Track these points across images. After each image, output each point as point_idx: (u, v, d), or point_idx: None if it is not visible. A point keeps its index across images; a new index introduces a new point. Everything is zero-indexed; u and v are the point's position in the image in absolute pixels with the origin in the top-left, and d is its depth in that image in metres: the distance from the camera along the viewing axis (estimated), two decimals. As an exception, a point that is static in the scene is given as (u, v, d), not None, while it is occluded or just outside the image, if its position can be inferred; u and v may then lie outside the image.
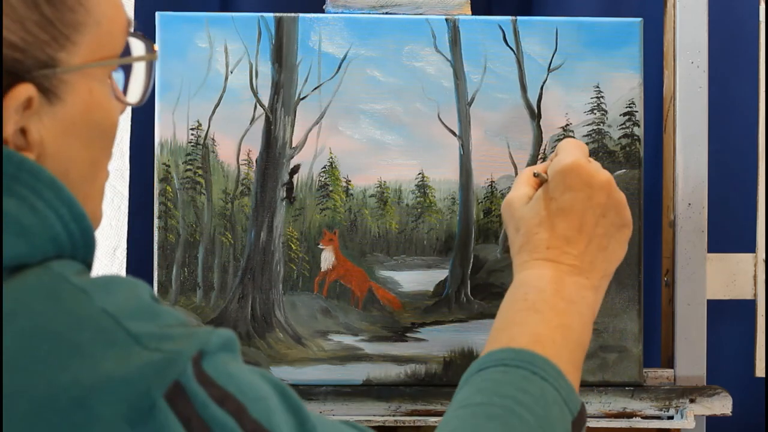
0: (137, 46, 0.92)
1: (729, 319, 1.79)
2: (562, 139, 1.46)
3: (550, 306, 1.13)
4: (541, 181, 1.25)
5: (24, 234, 0.80)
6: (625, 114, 1.46)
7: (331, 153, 1.45)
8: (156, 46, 0.93)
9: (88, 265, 0.86)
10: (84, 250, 0.85)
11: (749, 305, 1.57)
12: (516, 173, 1.46)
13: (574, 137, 1.46)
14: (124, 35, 0.89)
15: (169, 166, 1.44)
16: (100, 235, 1.75)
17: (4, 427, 0.73)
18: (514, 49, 1.45)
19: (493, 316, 1.46)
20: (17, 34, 0.81)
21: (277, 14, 1.45)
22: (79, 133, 0.86)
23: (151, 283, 1.45)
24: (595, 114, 1.46)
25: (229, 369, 0.83)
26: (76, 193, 0.86)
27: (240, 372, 0.85)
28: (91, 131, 0.87)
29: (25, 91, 0.82)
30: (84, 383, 0.75)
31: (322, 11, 1.46)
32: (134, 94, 0.93)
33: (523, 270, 1.17)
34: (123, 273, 1.72)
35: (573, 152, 1.22)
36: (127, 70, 0.92)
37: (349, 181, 1.45)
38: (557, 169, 1.20)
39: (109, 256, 1.69)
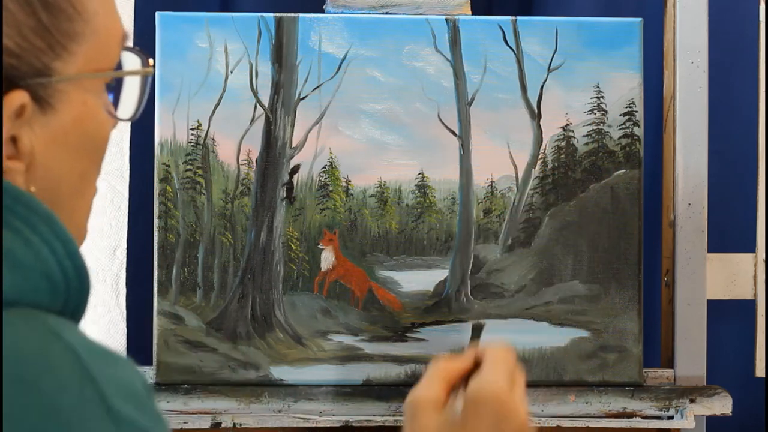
0: (133, 60, 0.91)
1: (729, 319, 1.79)
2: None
3: None
4: (457, 383, 1.15)
5: (17, 267, 0.78)
6: (625, 114, 1.46)
7: (331, 153, 1.45)
8: (151, 61, 0.91)
9: (82, 308, 0.83)
10: (78, 291, 0.82)
11: (749, 305, 1.57)
12: (516, 173, 1.46)
13: (574, 137, 1.46)
14: (119, 48, 0.88)
15: (169, 166, 1.44)
16: (100, 235, 1.74)
17: None
18: (514, 49, 1.45)
19: (493, 316, 1.46)
20: (13, 40, 0.80)
21: (277, 14, 1.45)
22: (70, 145, 0.85)
23: (151, 283, 1.45)
24: (595, 114, 1.46)
25: None
26: (64, 207, 0.84)
27: None
28: (83, 143, 0.86)
29: (19, 97, 0.81)
30: None
31: (322, 11, 1.46)
32: (126, 110, 0.91)
33: None
34: (123, 273, 1.72)
35: (498, 375, 1.11)
36: (120, 84, 0.90)
37: (349, 181, 1.45)
38: (476, 396, 1.09)
39: (109, 256, 1.69)
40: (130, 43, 0.90)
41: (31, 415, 0.74)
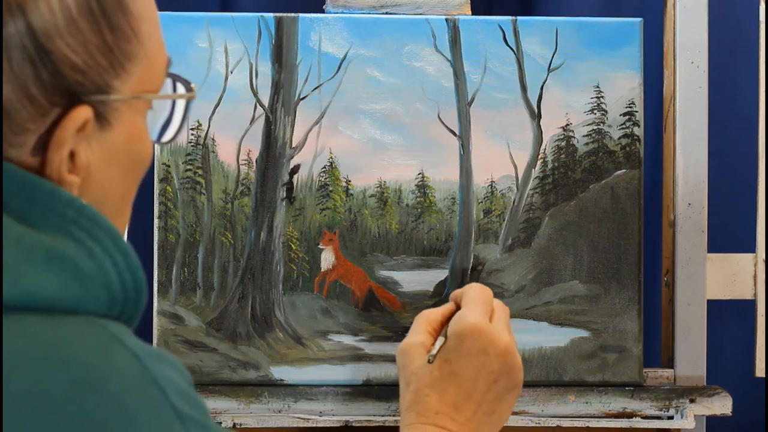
0: (177, 86, 0.94)
1: (729, 319, 1.79)
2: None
3: None
4: (441, 327, 1.23)
5: (80, 277, 0.81)
6: (625, 114, 1.46)
7: (331, 153, 1.45)
8: (194, 86, 0.94)
9: (135, 318, 0.86)
10: (134, 304, 0.86)
11: (749, 305, 1.57)
12: (516, 173, 1.46)
13: (574, 137, 1.46)
14: (164, 73, 0.92)
15: (169, 166, 1.44)
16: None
17: None
18: (514, 49, 1.45)
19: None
20: (81, 57, 0.83)
21: (277, 14, 1.45)
22: (120, 163, 0.88)
23: (151, 283, 1.45)
24: (595, 114, 1.46)
25: None
26: None
27: None
28: (130, 162, 0.89)
29: (84, 113, 0.84)
30: None
31: (322, 11, 1.46)
32: (168, 133, 0.94)
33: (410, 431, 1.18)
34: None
35: (475, 310, 1.20)
36: (167, 108, 0.94)
37: (349, 181, 1.45)
38: (456, 330, 1.19)
39: (109, 256, 1.69)
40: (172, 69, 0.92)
41: (100, 414, 0.76)
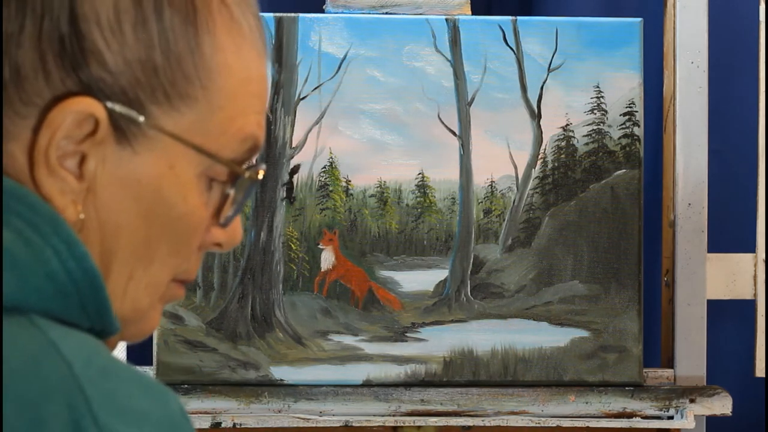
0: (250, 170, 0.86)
1: (729, 319, 1.79)
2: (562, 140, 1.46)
3: None
4: None
5: (15, 268, 0.75)
6: (625, 114, 1.46)
7: (331, 153, 1.45)
8: (262, 170, 0.86)
9: (108, 319, 0.78)
10: (93, 298, 0.80)
11: (749, 305, 1.57)
12: (516, 173, 1.46)
13: (574, 137, 1.46)
14: (241, 148, 0.81)
15: (169, 166, 1.44)
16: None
17: None
18: (514, 49, 1.45)
19: (493, 316, 1.46)
20: (114, 57, 0.79)
21: (277, 14, 1.45)
22: (141, 199, 0.80)
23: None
24: (595, 114, 1.46)
25: None
26: (122, 267, 0.81)
27: None
28: (157, 208, 0.81)
29: (90, 106, 0.79)
30: None
31: (322, 11, 1.46)
32: (223, 212, 0.86)
33: None
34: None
35: None
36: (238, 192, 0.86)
37: (349, 181, 1.45)
38: None
39: (109, 256, 1.70)
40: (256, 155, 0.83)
41: (14, 422, 0.72)
